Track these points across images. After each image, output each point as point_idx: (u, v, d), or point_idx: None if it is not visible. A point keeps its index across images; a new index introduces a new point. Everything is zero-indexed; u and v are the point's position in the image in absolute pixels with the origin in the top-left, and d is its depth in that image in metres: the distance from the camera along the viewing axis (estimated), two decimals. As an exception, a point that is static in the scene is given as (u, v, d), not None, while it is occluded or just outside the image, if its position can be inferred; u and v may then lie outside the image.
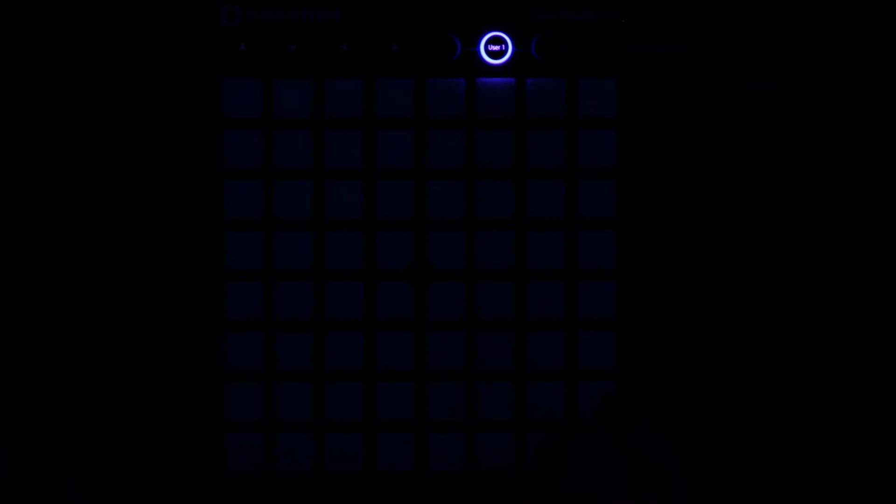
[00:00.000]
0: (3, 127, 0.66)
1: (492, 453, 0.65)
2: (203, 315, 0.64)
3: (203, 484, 0.64)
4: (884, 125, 0.67)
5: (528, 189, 0.65)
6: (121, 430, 0.65)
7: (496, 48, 0.65)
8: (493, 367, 0.65)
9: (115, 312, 0.66)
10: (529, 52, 0.65)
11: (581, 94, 0.65)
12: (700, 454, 0.65)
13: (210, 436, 0.64)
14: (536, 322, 0.65)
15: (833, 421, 0.67)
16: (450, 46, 0.65)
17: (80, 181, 0.66)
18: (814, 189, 0.67)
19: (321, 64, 0.65)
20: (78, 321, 0.65)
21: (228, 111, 0.65)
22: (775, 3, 0.67)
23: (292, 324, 0.65)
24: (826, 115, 0.67)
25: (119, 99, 0.66)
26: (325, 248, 0.65)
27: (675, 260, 0.65)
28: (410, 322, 0.65)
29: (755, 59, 0.67)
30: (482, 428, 0.65)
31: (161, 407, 0.65)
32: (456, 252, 0.65)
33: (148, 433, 0.65)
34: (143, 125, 0.66)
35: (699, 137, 0.65)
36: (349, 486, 0.65)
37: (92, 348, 0.65)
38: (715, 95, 0.66)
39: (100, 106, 0.66)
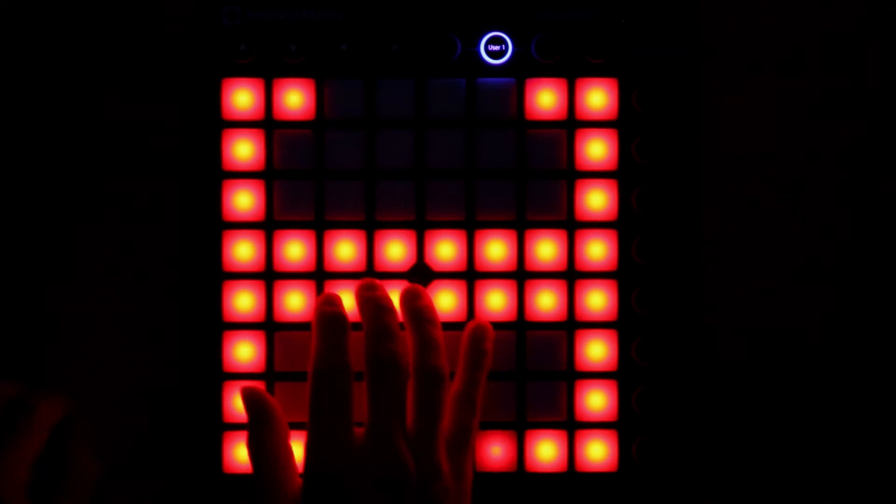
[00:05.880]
0: (3, 126, 0.66)
1: (491, 453, 0.65)
2: (203, 315, 0.64)
3: (203, 483, 0.64)
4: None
5: (529, 189, 0.65)
6: (121, 429, 0.65)
7: (496, 48, 0.65)
8: (493, 367, 0.65)
9: (114, 312, 0.66)
10: (529, 52, 0.65)
11: (581, 94, 0.65)
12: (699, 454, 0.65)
13: (210, 436, 0.64)
14: (536, 322, 0.65)
15: (831, 421, 0.67)
16: (450, 46, 0.65)
17: (82, 181, 0.66)
18: (812, 189, 0.67)
19: (321, 64, 0.65)
20: (78, 320, 0.65)
21: (228, 111, 0.65)
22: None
23: (292, 324, 0.65)
24: (827, 115, 0.67)
25: (120, 99, 0.66)
26: (326, 248, 0.65)
27: (674, 259, 0.65)
28: (410, 322, 0.65)
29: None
30: (482, 428, 0.65)
31: (161, 406, 0.65)
32: (456, 252, 0.65)
33: (148, 432, 0.65)
34: (145, 125, 0.66)
35: (699, 137, 0.65)
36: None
37: (92, 348, 0.65)
38: (714, 95, 0.67)
39: (100, 106, 0.66)
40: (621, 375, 0.65)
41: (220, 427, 0.64)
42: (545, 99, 0.65)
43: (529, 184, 0.65)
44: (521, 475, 0.65)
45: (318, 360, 0.59)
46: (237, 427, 0.64)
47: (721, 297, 0.67)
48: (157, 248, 0.66)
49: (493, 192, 0.65)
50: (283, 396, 0.64)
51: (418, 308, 0.62)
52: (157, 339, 0.66)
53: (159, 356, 0.66)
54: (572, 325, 0.65)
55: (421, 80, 0.65)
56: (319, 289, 0.65)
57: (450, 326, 0.64)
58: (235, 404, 0.64)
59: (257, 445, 0.60)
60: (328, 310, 0.61)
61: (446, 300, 0.65)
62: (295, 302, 0.65)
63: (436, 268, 0.65)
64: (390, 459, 0.57)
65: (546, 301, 0.65)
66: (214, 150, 0.65)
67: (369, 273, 0.65)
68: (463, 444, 0.60)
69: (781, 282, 0.66)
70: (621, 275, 0.65)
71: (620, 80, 0.65)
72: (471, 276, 0.65)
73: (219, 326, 0.64)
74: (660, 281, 0.65)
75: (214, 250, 0.65)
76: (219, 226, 0.65)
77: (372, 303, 0.61)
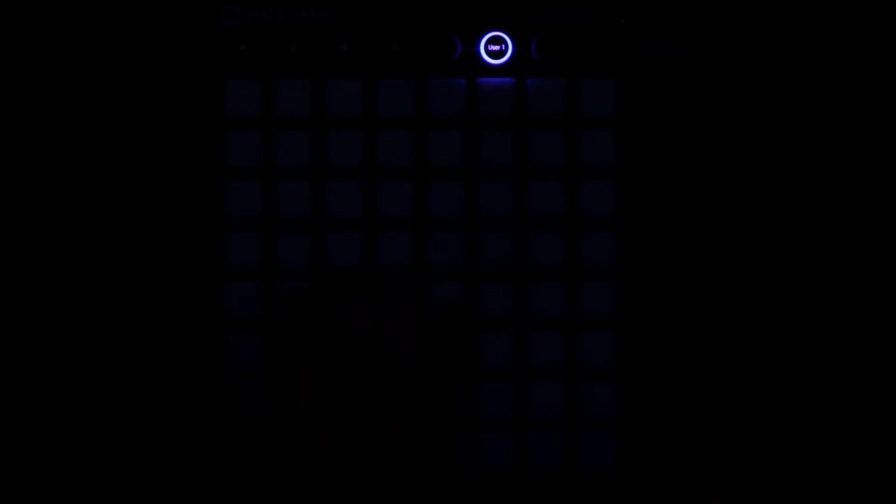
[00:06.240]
0: (4, 127, 0.66)
1: (492, 452, 0.65)
2: (203, 315, 0.64)
3: (203, 483, 0.64)
4: (883, 122, 0.67)
5: (529, 189, 0.65)
6: (121, 429, 0.65)
7: (496, 48, 0.65)
8: (493, 366, 0.65)
9: (114, 311, 0.66)
10: (529, 52, 0.65)
11: (581, 94, 0.65)
12: (698, 452, 0.65)
13: (210, 436, 0.64)
14: (537, 321, 0.65)
15: (830, 420, 0.67)
16: (450, 46, 0.65)
17: (82, 181, 0.66)
18: (812, 188, 0.67)
19: (321, 64, 0.65)
20: (78, 320, 0.65)
21: (229, 111, 0.65)
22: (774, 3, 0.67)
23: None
24: (825, 117, 0.67)
25: (121, 99, 0.66)
26: (326, 248, 0.65)
27: (674, 260, 0.65)
28: (410, 322, 0.65)
29: (755, 58, 0.67)
30: (483, 428, 0.65)
31: (161, 406, 0.65)
32: (456, 252, 0.65)
33: (148, 433, 0.65)
34: (145, 125, 0.66)
35: (699, 137, 0.65)
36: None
37: (92, 348, 0.65)
38: (715, 95, 0.67)
39: (101, 106, 0.66)
40: (621, 375, 0.65)
41: (219, 427, 0.64)
42: (545, 99, 0.65)
43: (529, 184, 0.65)
44: (520, 475, 0.65)
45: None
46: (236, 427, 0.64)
47: (721, 297, 0.67)
48: (157, 247, 0.66)
49: (493, 192, 0.65)
50: (283, 396, 0.64)
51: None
52: (157, 338, 0.66)
53: (160, 355, 0.66)
54: (572, 324, 0.65)
55: (421, 80, 0.65)
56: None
57: (450, 326, 0.64)
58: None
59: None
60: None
61: (447, 300, 0.65)
62: (295, 302, 0.65)
63: (435, 268, 0.65)
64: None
65: (546, 301, 0.65)
66: (214, 149, 0.65)
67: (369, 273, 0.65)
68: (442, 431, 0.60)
69: (783, 281, 0.66)
70: (621, 275, 0.65)
71: (620, 80, 0.65)
72: (471, 276, 0.65)
73: (219, 326, 0.65)
74: (660, 281, 0.65)
75: (215, 250, 0.65)
76: (219, 226, 0.65)
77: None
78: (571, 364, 0.65)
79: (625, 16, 0.65)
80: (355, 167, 0.65)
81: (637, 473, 0.65)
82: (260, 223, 0.65)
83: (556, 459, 0.65)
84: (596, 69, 0.65)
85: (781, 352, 0.66)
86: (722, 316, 0.66)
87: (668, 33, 0.65)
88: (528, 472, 0.65)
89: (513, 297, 0.65)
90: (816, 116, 0.67)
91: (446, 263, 0.65)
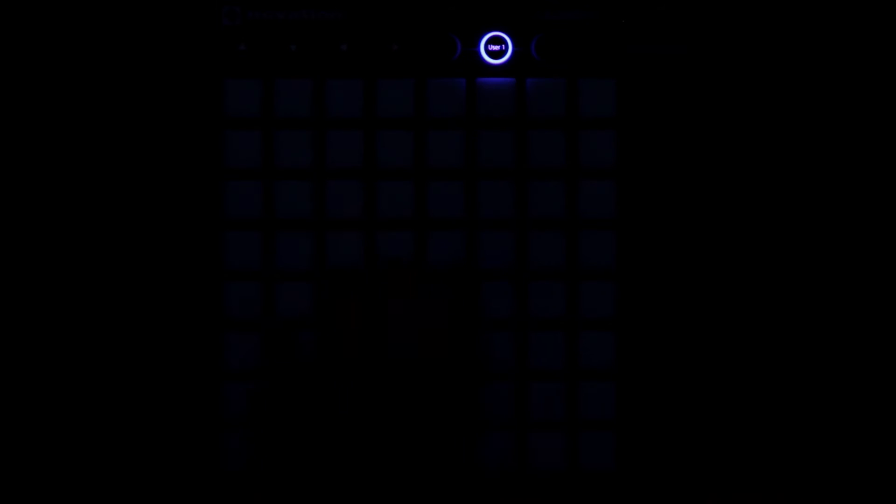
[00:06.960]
0: (3, 127, 0.66)
1: (494, 453, 0.65)
2: (203, 315, 0.64)
3: (200, 483, 0.64)
4: (882, 120, 0.67)
5: (529, 189, 0.65)
6: (118, 429, 0.65)
7: (496, 48, 0.65)
8: (494, 367, 0.65)
9: (114, 311, 0.66)
10: (529, 52, 0.65)
11: (581, 94, 0.65)
12: (698, 452, 0.65)
13: (208, 435, 0.64)
14: (537, 322, 0.65)
15: (830, 420, 0.67)
16: (450, 46, 0.65)
17: (82, 180, 0.66)
18: (813, 189, 0.67)
19: (321, 64, 0.65)
20: (77, 320, 0.65)
21: (229, 111, 0.65)
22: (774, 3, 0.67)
23: (292, 324, 0.65)
24: (826, 117, 0.67)
25: (120, 99, 0.66)
26: (326, 248, 0.65)
27: (674, 260, 0.65)
28: (410, 322, 0.65)
29: (755, 58, 0.67)
30: (484, 428, 0.65)
31: (159, 406, 0.65)
32: (456, 252, 0.65)
33: (146, 432, 0.65)
34: (145, 125, 0.66)
35: (699, 137, 0.65)
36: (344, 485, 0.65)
37: (90, 347, 0.65)
38: (714, 95, 0.67)
39: (101, 106, 0.66)
40: (621, 375, 0.65)
41: (218, 427, 0.64)
42: (545, 99, 0.65)
43: (529, 184, 0.65)
44: (520, 475, 0.65)
45: None
46: (236, 427, 0.64)
47: (721, 298, 0.67)
48: (157, 247, 0.66)
49: (493, 192, 0.65)
50: (283, 396, 0.64)
51: None
52: (157, 338, 0.66)
53: (159, 355, 0.66)
54: (572, 324, 0.65)
55: (421, 80, 0.65)
56: (319, 288, 0.65)
57: (450, 326, 0.65)
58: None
59: None
60: None
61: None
62: (295, 301, 0.65)
63: (436, 268, 0.65)
64: None
65: (546, 301, 0.65)
66: (214, 149, 0.65)
67: (369, 272, 0.65)
68: None
69: (783, 281, 0.66)
70: (621, 275, 0.65)
71: (620, 80, 0.65)
72: (471, 276, 0.65)
73: (219, 326, 0.65)
74: (659, 282, 0.65)
75: (215, 250, 0.65)
76: (219, 226, 0.65)
77: None
78: (571, 364, 0.65)
79: (625, 16, 0.65)
80: (355, 167, 0.65)
81: (637, 473, 0.65)
82: (260, 223, 0.65)
83: (557, 459, 0.65)
84: (596, 69, 0.65)
85: (781, 352, 0.66)
86: (722, 316, 0.66)
87: (668, 33, 0.65)
88: (528, 472, 0.65)
89: (513, 297, 0.65)
90: (816, 116, 0.67)
91: (446, 263, 0.65)
